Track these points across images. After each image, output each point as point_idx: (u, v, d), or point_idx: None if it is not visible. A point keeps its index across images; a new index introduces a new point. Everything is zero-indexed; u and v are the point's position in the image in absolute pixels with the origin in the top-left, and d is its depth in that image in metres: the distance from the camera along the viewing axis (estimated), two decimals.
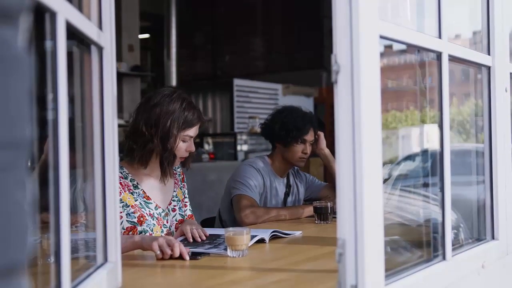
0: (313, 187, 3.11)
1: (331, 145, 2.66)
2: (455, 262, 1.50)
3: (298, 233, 2.30)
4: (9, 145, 0.60)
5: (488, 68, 1.79)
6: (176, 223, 2.31)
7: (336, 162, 1.13)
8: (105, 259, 1.32)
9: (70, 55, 1.08)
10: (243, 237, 1.82)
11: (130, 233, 2.13)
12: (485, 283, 1.69)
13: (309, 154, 2.94)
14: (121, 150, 1.83)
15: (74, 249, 1.03)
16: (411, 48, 1.53)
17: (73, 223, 1.00)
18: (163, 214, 2.27)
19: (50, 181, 0.94)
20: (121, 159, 2.21)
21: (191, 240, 2.04)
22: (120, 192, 2.15)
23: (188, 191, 2.49)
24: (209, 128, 7.36)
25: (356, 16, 1.10)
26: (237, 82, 7.33)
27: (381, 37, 1.19)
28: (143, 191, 2.24)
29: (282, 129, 2.88)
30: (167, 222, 2.28)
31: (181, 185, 2.43)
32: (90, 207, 1.36)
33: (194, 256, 1.83)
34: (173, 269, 1.75)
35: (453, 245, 1.50)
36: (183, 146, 2.23)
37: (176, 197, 2.37)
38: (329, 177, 3.23)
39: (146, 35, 9.48)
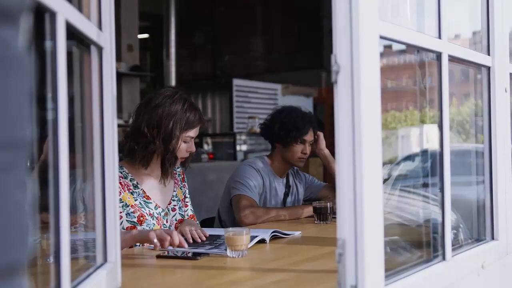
0: (313, 187, 3.11)
1: (330, 145, 2.66)
2: (455, 263, 1.50)
3: (297, 233, 2.30)
4: (9, 145, 0.60)
5: (488, 68, 1.79)
6: (176, 223, 2.32)
7: (336, 162, 1.13)
8: (105, 259, 1.32)
9: (69, 55, 1.08)
10: (242, 237, 1.81)
11: None
12: (485, 284, 1.69)
13: (308, 154, 2.94)
14: (120, 150, 1.83)
15: (73, 249, 1.03)
16: (411, 48, 1.53)
17: (72, 223, 1.00)
18: (162, 213, 2.27)
19: (50, 181, 0.94)
20: (120, 159, 2.21)
21: (191, 241, 2.04)
22: (120, 192, 2.15)
23: (188, 191, 2.49)
24: (209, 128, 7.36)
25: (356, 16, 1.10)
26: (236, 82, 7.33)
27: (381, 37, 1.19)
28: (143, 190, 2.24)
29: (281, 129, 2.88)
30: (167, 222, 2.28)
31: (181, 185, 2.43)
32: (89, 207, 1.35)
33: (194, 256, 1.83)
34: (172, 269, 1.75)
35: (453, 245, 1.50)
36: (184, 147, 2.23)
37: (176, 197, 2.37)
38: (329, 177, 3.23)
39: (146, 35, 9.48)
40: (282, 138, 2.89)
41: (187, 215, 2.41)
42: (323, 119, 6.96)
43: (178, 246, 1.90)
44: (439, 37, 1.47)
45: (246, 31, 9.27)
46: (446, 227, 1.47)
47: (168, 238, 1.86)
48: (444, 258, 1.47)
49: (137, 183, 2.24)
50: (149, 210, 2.21)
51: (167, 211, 2.30)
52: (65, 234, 0.95)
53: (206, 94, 7.65)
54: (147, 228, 2.17)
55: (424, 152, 1.89)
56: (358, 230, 1.10)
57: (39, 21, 0.89)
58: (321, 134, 3.02)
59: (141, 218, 2.17)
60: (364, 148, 1.10)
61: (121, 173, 2.20)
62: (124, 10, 7.02)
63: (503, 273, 1.83)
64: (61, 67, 0.94)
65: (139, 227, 2.15)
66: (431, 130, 1.68)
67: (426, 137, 1.83)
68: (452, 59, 1.53)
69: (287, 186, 3.03)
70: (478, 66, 1.79)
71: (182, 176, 2.46)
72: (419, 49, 1.57)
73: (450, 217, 1.49)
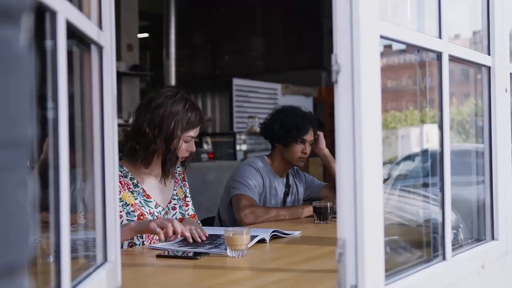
0: (313, 187, 3.11)
1: (330, 145, 2.66)
2: (455, 262, 1.50)
3: (297, 233, 2.30)
4: (10, 145, 0.60)
5: (488, 68, 1.79)
6: None
7: (336, 162, 1.13)
8: (105, 259, 1.32)
9: (70, 54, 1.08)
10: (242, 237, 1.81)
11: None
12: (485, 283, 1.69)
13: (308, 154, 2.94)
14: (120, 150, 1.84)
15: (73, 249, 1.03)
16: (411, 48, 1.53)
17: (72, 223, 1.00)
18: (163, 212, 2.27)
19: (50, 180, 0.94)
20: (120, 158, 2.22)
21: (191, 240, 2.04)
22: (120, 191, 2.15)
23: (189, 191, 2.49)
24: (209, 127, 7.36)
25: (357, 16, 1.10)
26: (236, 81, 7.33)
27: (382, 37, 1.19)
28: (143, 189, 2.24)
29: (281, 129, 2.88)
30: None
31: (182, 184, 2.44)
32: (89, 206, 1.35)
33: (194, 256, 1.83)
34: (173, 269, 1.75)
35: (453, 245, 1.50)
36: (185, 147, 2.25)
37: (176, 196, 2.37)
38: (329, 177, 3.23)
39: (145, 35, 9.48)
40: (282, 138, 2.89)
41: (188, 214, 2.42)
42: (322, 118, 6.97)
43: (181, 235, 1.95)
44: (440, 37, 1.47)
45: (246, 31, 9.27)
46: (446, 227, 1.47)
47: (170, 225, 1.89)
48: (444, 258, 1.47)
49: (137, 182, 2.24)
50: (149, 209, 2.22)
51: (167, 210, 2.30)
52: (65, 233, 0.95)
53: (206, 93, 7.65)
54: None
55: (424, 152, 1.89)
56: (358, 229, 1.10)
57: (40, 20, 0.89)
58: (321, 134, 3.02)
59: (141, 217, 2.17)
60: (365, 148, 1.10)
61: (121, 172, 2.21)
62: (124, 10, 7.02)
63: (503, 273, 1.83)
64: (62, 67, 0.94)
65: None
66: (431, 130, 1.68)
67: (426, 137, 1.83)
68: (452, 59, 1.52)
69: (287, 185, 3.03)
70: (478, 66, 1.79)
71: (183, 175, 2.47)
72: (419, 49, 1.57)
73: (450, 217, 1.49)
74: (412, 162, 2.28)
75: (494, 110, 1.78)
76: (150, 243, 2.18)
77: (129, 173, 2.24)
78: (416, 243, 1.66)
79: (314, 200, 2.76)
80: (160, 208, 2.26)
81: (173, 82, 7.66)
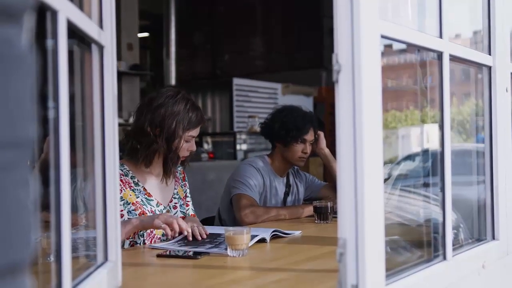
0: (313, 187, 3.11)
1: (330, 145, 2.66)
2: (456, 262, 1.50)
3: (298, 233, 2.30)
4: (12, 144, 0.60)
5: (489, 68, 1.79)
6: None
7: (337, 162, 1.13)
8: (106, 258, 1.32)
9: (70, 53, 1.08)
10: (243, 236, 1.81)
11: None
12: (485, 283, 1.69)
13: (309, 154, 2.94)
14: (120, 149, 1.84)
15: (74, 248, 1.03)
16: (411, 47, 1.53)
17: (73, 224, 1.00)
18: (164, 211, 2.28)
19: (51, 180, 0.94)
20: (120, 158, 2.22)
21: (190, 238, 2.05)
22: (121, 190, 2.16)
23: (189, 191, 2.49)
24: (209, 127, 7.36)
25: (357, 15, 1.10)
26: (236, 81, 7.33)
27: (382, 36, 1.19)
28: (144, 188, 2.25)
29: (282, 129, 2.88)
30: None
31: (182, 184, 2.44)
32: (90, 206, 1.35)
33: (194, 255, 1.83)
34: (173, 269, 1.75)
35: (453, 245, 1.50)
36: (186, 146, 2.25)
37: (177, 195, 2.38)
38: (329, 176, 3.23)
39: (146, 34, 9.48)
40: (282, 138, 2.89)
41: (188, 214, 2.42)
42: (322, 118, 6.98)
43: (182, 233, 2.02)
44: (440, 36, 1.47)
45: (246, 30, 9.27)
46: (447, 227, 1.47)
47: (175, 221, 1.94)
48: (444, 258, 1.47)
49: (138, 180, 2.24)
50: (150, 208, 2.23)
51: (168, 208, 2.31)
52: (66, 233, 0.95)
53: (206, 93, 7.65)
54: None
55: (425, 152, 1.89)
56: (359, 229, 1.10)
57: (41, 19, 0.89)
58: (321, 134, 3.02)
59: (143, 216, 2.17)
60: (365, 147, 1.10)
61: (122, 170, 2.21)
62: (124, 9, 7.02)
63: (504, 273, 1.83)
64: (62, 66, 0.94)
65: None
66: (431, 129, 1.68)
67: (427, 136, 1.82)
68: (453, 58, 1.52)
69: (288, 185, 3.03)
70: (479, 65, 1.79)
71: (183, 175, 2.47)
72: (420, 49, 1.57)
73: (451, 217, 1.49)
74: (413, 162, 2.28)
75: (495, 110, 1.78)
76: (151, 242, 2.18)
77: (130, 171, 2.24)
78: (416, 243, 1.66)
79: (314, 200, 2.76)
80: (161, 207, 2.27)
81: (173, 81, 7.66)
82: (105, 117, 1.30)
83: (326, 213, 2.59)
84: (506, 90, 1.83)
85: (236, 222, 2.72)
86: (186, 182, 2.47)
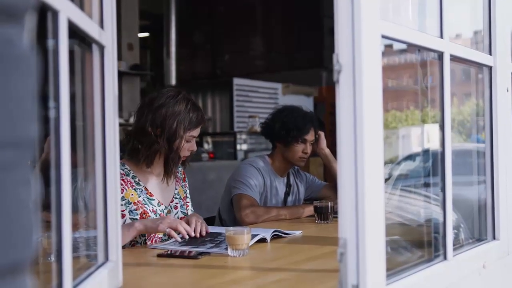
0: (314, 187, 3.11)
1: (330, 145, 2.66)
2: (456, 262, 1.50)
3: (298, 233, 2.30)
4: (13, 144, 0.60)
5: (490, 68, 1.79)
6: None
7: (338, 161, 1.13)
8: (106, 258, 1.32)
9: (71, 53, 1.08)
10: (243, 236, 1.81)
11: None
12: (486, 283, 1.69)
13: (309, 154, 2.94)
14: (120, 149, 1.84)
15: (75, 248, 1.03)
16: (412, 47, 1.53)
17: (74, 225, 1.00)
18: (165, 211, 2.28)
19: (52, 180, 0.94)
20: (120, 158, 2.22)
21: (192, 234, 2.07)
22: (123, 189, 2.16)
23: (189, 192, 2.50)
24: (209, 127, 7.36)
25: (358, 15, 1.10)
26: (236, 81, 7.32)
27: (383, 36, 1.19)
28: (145, 188, 2.25)
29: (282, 129, 2.88)
30: None
31: (183, 184, 2.45)
32: (91, 206, 1.36)
33: (195, 255, 1.83)
34: (173, 268, 1.75)
35: (454, 245, 1.50)
36: (187, 146, 2.26)
37: (178, 195, 2.38)
38: (329, 176, 3.23)
39: (146, 34, 9.48)
40: (283, 138, 2.89)
41: (188, 214, 2.42)
42: (322, 118, 6.96)
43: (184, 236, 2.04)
44: (441, 36, 1.47)
45: (246, 30, 9.27)
46: (447, 227, 1.46)
47: (179, 224, 2.02)
48: (445, 258, 1.47)
49: (139, 180, 2.25)
50: (152, 207, 2.23)
51: (169, 208, 2.31)
52: (67, 233, 0.95)
53: (206, 93, 7.65)
54: None
55: (425, 152, 1.89)
56: (360, 229, 1.10)
57: (42, 19, 0.89)
58: (322, 134, 3.02)
59: (144, 215, 2.18)
60: (366, 147, 1.10)
61: (123, 170, 2.22)
62: (125, 9, 7.02)
63: (504, 273, 1.83)
64: (63, 66, 0.94)
65: None
66: (432, 129, 1.68)
67: (427, 136, 1.82)
68: (453, 58, 1.52)
69: (288, 185, 3.03)
70: (479, 65, 1.79)
71: (183, 176, 2.48)
72: (420, 49, 1.57)
73: (451, 217, 1.48)
74: (413, 162, 2.28)
75: (496, 110, 1.78)
76: (152, 242, 2.18)
77: (131, 171, 2.25)
78: (417, 243, 1.66)
79: (315, 200, 2.76)
80: (162, 207, 2.28)
81: (173, 81, 7.67)
82: (105, 117, 1.30)
83: (326, 213, 2.59)
84: (507, 90, 1.83)
85: (236, 222, 2.72)
86: (186, 183, 2.48)
